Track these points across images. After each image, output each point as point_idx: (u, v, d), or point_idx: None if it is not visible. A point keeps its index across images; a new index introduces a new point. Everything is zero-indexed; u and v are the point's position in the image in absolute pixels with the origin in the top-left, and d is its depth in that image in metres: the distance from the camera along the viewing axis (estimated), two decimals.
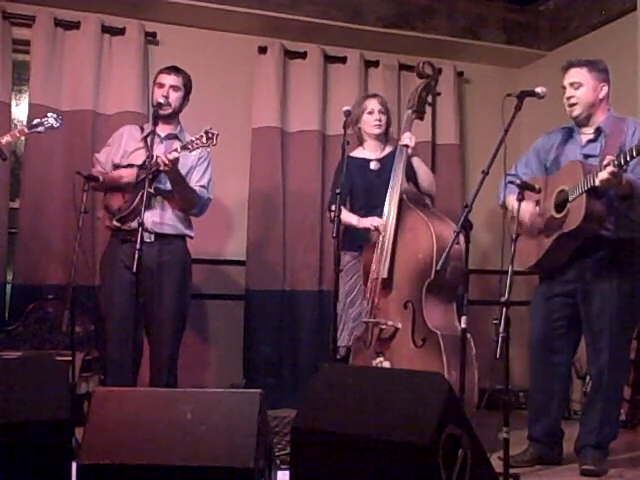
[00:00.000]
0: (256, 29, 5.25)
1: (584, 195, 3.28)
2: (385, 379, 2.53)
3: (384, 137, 4.30)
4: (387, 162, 4.14)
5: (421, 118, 4.15)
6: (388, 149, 4.26)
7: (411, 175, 4.05)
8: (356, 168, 4.13)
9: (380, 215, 3.91)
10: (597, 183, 3.21)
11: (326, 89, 5.42)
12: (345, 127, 3.79)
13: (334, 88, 5.44)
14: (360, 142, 4.30)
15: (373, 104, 4.21)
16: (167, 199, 3.85)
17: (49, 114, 3.93)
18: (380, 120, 4.21)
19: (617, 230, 3.41)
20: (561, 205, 3.41)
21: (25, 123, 3.92)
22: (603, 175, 3.17)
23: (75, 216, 3.57)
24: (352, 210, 4.14)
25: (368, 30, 5.34)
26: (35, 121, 3.90)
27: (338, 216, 3.58)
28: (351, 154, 4.24)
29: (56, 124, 3.90)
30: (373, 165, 4.21)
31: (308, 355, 5.11)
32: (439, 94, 4.12)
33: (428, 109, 4.21)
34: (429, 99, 4.12)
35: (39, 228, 4.72)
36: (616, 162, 3.15)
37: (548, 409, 3.60)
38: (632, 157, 3.13)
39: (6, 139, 3.87)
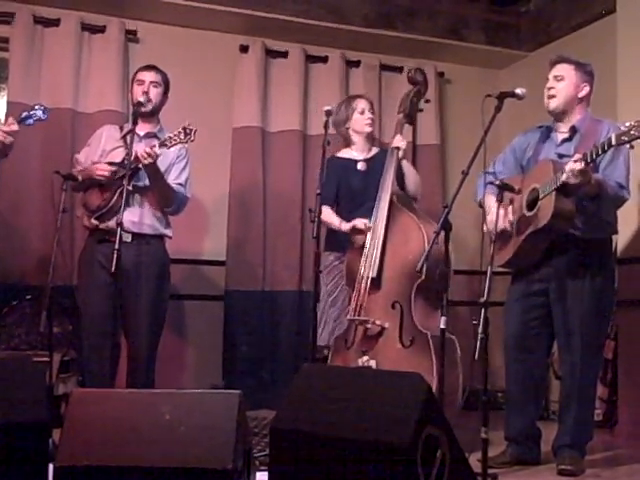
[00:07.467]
0: (237, 28, 5.23)
1: (553, 193, 3.30)
2: (364, 380, 2.52)
3: (371, 137, 4.32)
4: (374, 163, 4.14)
5: (411, 123, 4.24)
6: (374, 150, 4.28)
7: (399, 177, 4.03)
8: (342, 169, 4.14)
9: (366, 214, 3.89)
10: (564, 178, 3.22)
11: (307, 89, 5.42)
12: (326, 127, 3.76)
13: (315, 88, 5.43)
14: (347, 143, 4.28)
15: (363, 104, 4.23)
16: (145, 197, 3.82)
17: (36, 106, 3.79)
18: (372, 119, 4.25)
19: (587, 230, 3.42)
20: (532, 203, 3.43)
21: (13, 117, 3.80)
22: (570, 170, 3.17)
23: (53, 216, 3.53)
24: (339, 211, 4.11)
25: (349, 30, 5.34)
26: (24, 114, 3.76)
27: (318, 216, 3.54)
28: (337, 154, 4.25)
29: (43, 116, 3.77)
30: (360, 166, 4.19)
31: (288, 356, 5.10)
32: (428, 101, 4.18)
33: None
34: (420, 105, 4.13)
35: (17, 228, 4.67)
36: (583, 158, 3.15)
37: (524, 409, 3.61)
38: (597, 154, 3.14)
39: None
